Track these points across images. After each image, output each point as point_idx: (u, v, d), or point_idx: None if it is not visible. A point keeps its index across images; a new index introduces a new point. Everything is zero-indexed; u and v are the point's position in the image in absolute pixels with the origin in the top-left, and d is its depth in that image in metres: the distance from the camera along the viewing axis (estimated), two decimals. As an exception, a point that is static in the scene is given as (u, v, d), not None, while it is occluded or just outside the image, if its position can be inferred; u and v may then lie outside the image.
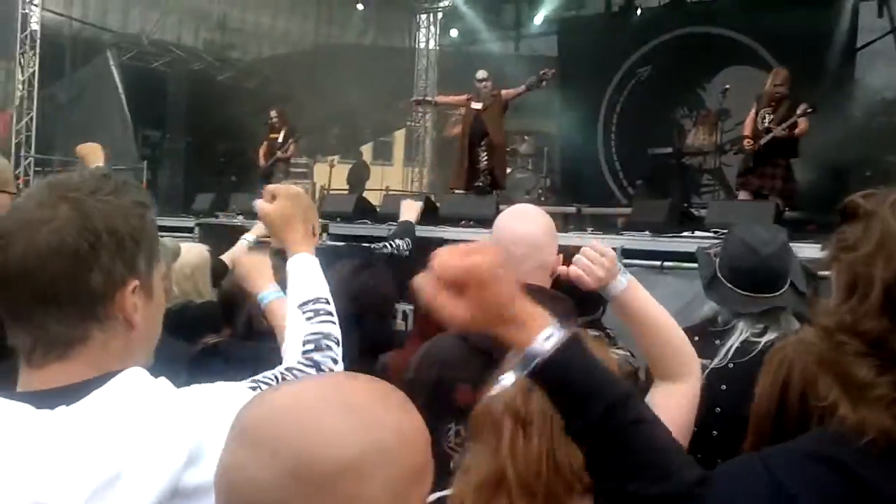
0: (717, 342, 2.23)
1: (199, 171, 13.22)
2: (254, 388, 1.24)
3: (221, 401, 1.10)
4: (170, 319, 2.63)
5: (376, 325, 2.76)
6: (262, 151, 11.00)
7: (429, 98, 10.27)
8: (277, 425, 0.83)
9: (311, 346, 1.47)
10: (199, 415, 1.08)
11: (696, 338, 2.26)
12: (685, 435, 1.28)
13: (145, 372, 1.13)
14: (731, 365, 2.13)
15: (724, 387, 2.11)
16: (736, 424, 2.02)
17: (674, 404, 1.46)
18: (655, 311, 1.67)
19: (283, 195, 1.61)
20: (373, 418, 0.84)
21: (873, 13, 12.14)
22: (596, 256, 1.67)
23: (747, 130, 8.44)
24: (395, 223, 7.22)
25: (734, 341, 2.19)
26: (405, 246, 3.60)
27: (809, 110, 8.32)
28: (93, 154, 3.10)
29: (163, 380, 1.13)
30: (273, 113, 11.26)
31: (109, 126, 12.49)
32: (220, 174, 12.97)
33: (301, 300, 1.53)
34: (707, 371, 2.16)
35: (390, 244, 3.62)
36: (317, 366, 1.45)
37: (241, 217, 8.38)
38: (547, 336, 1.06)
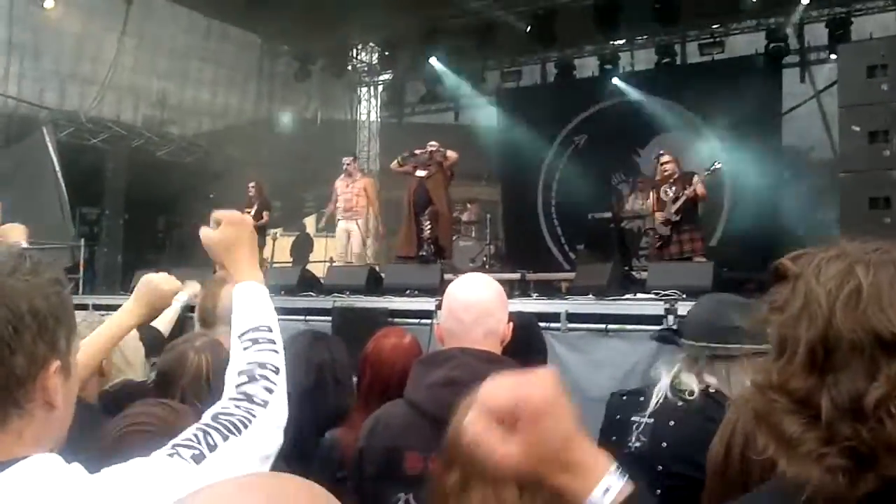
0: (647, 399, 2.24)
1: (137, 247, 13.03)
2: (171, 455, 1.18)
3: (136, 481, 1.06)
4: (108, 399, 2.55)
5: (337, 392, 2.75)
6: None
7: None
8: None
9: (244, 379, 1.37)
10: (111, 500, 1.03)
11: (637, 398, 2.29)
12: None
13: (57, 457, 1.07)
14: (671, 423, 2.14)
15: (664, 444, 2.12)
16: (676, 480, 2.05)
17: None
18: None
19: (227, 221, 1.56)
20: None
21: (796, 79, 12.76)
22: None
23: (655, 208, 8.93)
24: (340, 295, 7.21)
25: (658, 396, 2.20)
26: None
27: (714, 167, 9.17)
28: (13, 234, 3.03)
29: (76, 465, 1.07)
30: (251, 185, 11.58)
31: (45, 203, 12.24)
32: (159, 250, 12.78)
33: (241, 330, 1.45)
34: (641, 427, 2.17)
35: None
36: (249, 398, 1.34)
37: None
38: (606, 488, 0.95)
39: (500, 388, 0.93)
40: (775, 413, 1.00)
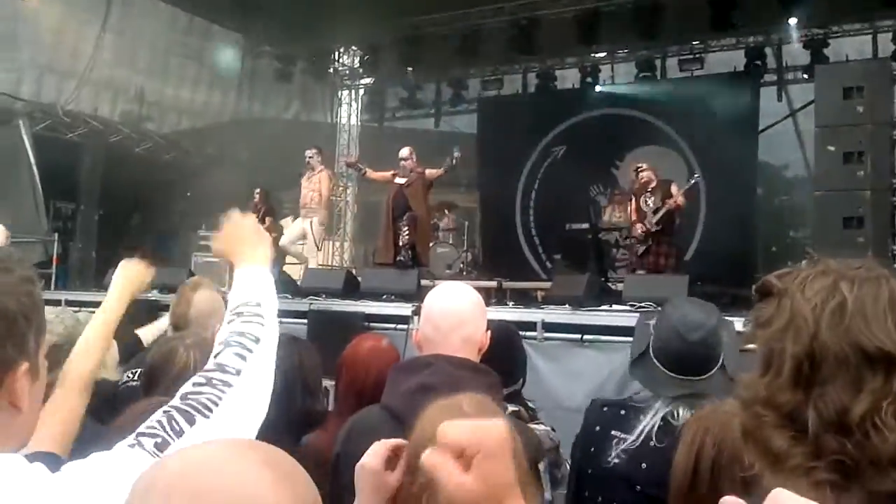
0: (639, 417, 2.21)
1: (112, 243, 12.88)
2: (133, 446, 1.16)
3: (95, 477, 1.05)
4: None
5: (306, 399, 2.72)
6: None
7: (361, 165, 10.25)
8: (193, 478, 0.72)
9: (220, 349, 1.36)
10: (73, 498, 1.02)
11: (617, 411, 2.27)
12: None
13: (19, 458, 1.04)
14: (652, 443, 2.11)
15: (643, 465, 2.09)
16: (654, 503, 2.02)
17: None
18: None
19: (226, 223, 1.64)
20: (292, 473, 0.77)
21: (773, 98, 12.90)
22: None
23: (635, 217, 8.99)
24: (317, 298, 7.17)
25: (651, 420, 2.16)
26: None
27: (694, 180, 9.46)
28: None
29: (38, 465, 1.04)
30: (256, 191, 11.40)
31: (19, 196, 12.10)
32: (134, 247, 12.65)
33: (231, 307, 1.46)
34: (623, 444, 2.14)
35: None
36: (221, 368, 1.32)
37: (155, 291, 8.08)
38: None
39: (461, 427, 0.98)
40: (763, 428, 1.01)
